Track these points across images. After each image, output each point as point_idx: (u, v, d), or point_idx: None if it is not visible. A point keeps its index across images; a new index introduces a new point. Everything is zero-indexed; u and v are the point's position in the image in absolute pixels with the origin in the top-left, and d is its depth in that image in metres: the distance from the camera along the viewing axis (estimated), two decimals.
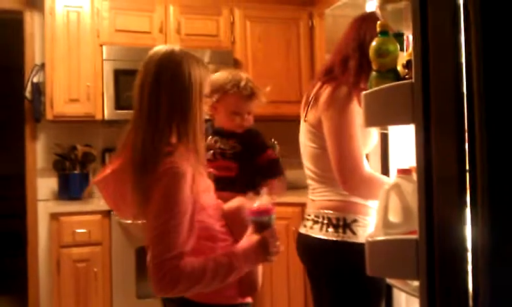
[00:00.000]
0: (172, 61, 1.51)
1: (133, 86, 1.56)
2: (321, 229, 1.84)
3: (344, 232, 1.79)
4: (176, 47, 1.57)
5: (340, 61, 1.87)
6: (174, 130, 1.49)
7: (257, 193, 1.60)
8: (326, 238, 1.82)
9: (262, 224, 1.55)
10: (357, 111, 1.78)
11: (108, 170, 1.58)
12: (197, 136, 1.51)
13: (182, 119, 1.49)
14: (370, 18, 1.85)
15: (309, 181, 1.98)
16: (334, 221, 1.82)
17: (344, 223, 1.80)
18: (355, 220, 1.80)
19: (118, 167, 1.54)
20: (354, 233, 1.79)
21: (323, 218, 1.85)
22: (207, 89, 1.58)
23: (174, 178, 1.43)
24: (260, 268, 1.66)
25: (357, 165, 1.76)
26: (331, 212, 1.84)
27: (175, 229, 1.40)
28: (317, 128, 1.88)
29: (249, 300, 1.63)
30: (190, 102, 1.50)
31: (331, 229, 1.82)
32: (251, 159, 1.96)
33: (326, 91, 1.84)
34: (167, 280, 1.37)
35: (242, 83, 1.95)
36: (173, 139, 1.50)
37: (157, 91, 1.49)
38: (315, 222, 1.88)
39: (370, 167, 1.95)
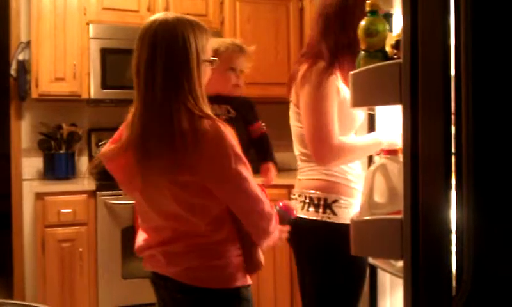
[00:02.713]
0: (167, 29, 1.48)
1: (131, 61, 1.51)
2: (303, 208, 1.86)
3: (324, 212, 1.80)
4: (171, 14, 1.53)
5: (312, 42, 1.88)
6: (188, 96, 1.46)
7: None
8: (306, 217, 1.84)
9: (284, 219, 1.68)
10: (335, 88, 1.78)
11: (119, 143, 1.53)
12: (201, 101, 1.48)
13: (187, 84, 1.46)
14: None
15: (298, 162, 1.99)
16: (315, 201, 1.83)
17: (325, 203, 1.81)
18: (336, 201, 1.81)
19: (127, 142, 1.49)
20: (334, 213, 1.79)
21: (305, 197, 1.86)
22: (208, 53, 1.55)
23: (225, 139, 1.44)
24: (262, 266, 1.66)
25: (328, 136, 1.74)
26: (312, 191, 1.85)
27: (254, 186, 1.50)
28: (299, 106, 1.88)
29: (249, 281, 1.63)
30: (189, 67, 1.47)
31: (312, 209, 1.83)
32: (245, 127, 2.00)
33: (303, 68, 1.84)
34: (271, 225, 1.54)
35: (229, 41, 2.11)
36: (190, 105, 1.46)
37: (153, 58, 1.45)
38: (299, 201, 1.89)
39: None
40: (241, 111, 2.11)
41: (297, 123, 1.92)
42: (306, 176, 1.91)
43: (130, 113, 1.52)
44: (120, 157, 1.52)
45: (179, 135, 1.41)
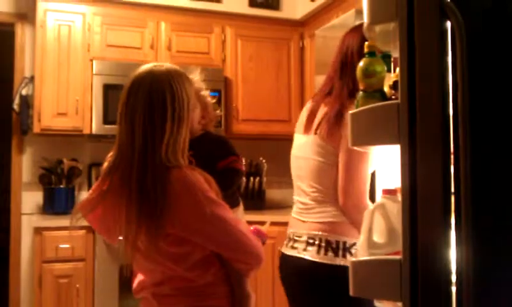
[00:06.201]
0: (160, 85, 1.48)
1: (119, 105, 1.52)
2: (318, 252, 1.74)
3: (344, 256, 1.71)
4: (161, 66, 1.53)
5: (328, 82, 1.87)
6: (167, 148, 1.45)
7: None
8: (324, 262, 1.73)
9: None
10: None
11: (96, 193, 1.51)
12: (182, 154, 1.49)
13: (173, 137, 1.46)
14: (354, 31, 1.85)
15: (303, 200, 1.87)
16: (333, 244, 1.73)
17: (344, 247, 1.72)
18: (355, 244, 1.70)
19: (111, 188, 1.47)
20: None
21: (320, 240, 1.75)
22: (193, 105, 1.58)
23: (193, 185, 1.42)
24: (253, 298, 1.62)
25: (363, 194, 1.72)
26: (329, 234, 1.75)
27: (235, 223, 1.47)
28: (329, 142, 1.79)
29: None
30: (182, 119, 1.48)
31: (330, 253, 1.73)
32: (212, 168, 1.97)
33: (330, 105, 1.80)
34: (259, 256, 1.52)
35: None
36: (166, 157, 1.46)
37: (149, 113, 1.45)
38: (310, 244, 1.77)
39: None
40: (204, 156, 2.09)
41: (316, 157, 1.82)
42: (317, 218, 1.80)
43: (110, 156, 1.51)
44: (97, 208, 1.50)
45: (152, 188, 1.39)
